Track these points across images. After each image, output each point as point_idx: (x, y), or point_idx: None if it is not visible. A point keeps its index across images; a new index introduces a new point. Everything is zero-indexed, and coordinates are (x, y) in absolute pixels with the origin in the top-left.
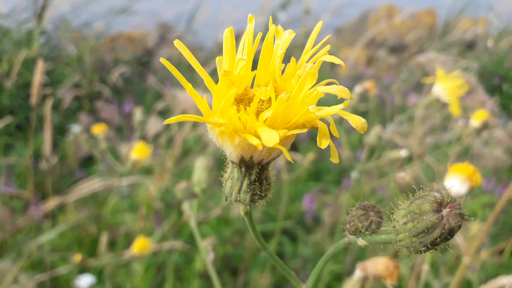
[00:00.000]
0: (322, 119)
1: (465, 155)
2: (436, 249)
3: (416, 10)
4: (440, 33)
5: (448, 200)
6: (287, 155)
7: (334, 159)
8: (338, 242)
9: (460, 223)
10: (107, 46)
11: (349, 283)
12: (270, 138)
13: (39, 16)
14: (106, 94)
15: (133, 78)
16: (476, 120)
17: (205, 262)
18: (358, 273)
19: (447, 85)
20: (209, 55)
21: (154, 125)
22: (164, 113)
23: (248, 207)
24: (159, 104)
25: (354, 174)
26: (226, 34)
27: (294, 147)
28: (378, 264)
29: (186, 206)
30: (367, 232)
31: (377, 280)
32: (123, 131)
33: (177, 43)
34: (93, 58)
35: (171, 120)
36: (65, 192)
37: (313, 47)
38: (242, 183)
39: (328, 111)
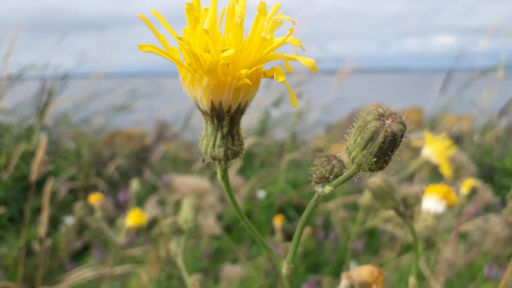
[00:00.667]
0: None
1: (464, 240)
2: (386, 161)
3: (402, 107)
4: (427, 129)
5: (389, 113)
6: (248, 81)
7: (293, 103)
8: (311, 201)
9: (402, 128)
10: (105, 142)
11: None
12: (229, 53)
13: (41, 112)
14: (102, 187)
15: (130, 172)
16: (465, 188)
17: None
18: (344, 282)
19: (435, 147)
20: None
21: (150, 210)
22: (160, 203)
23: (223, 163)
24: (155, 195)
25: (353, 265)
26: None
27: (288, 237)
28: (362, 271)
29: (172, 244)
30: (331, 176)
31: None
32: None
33: (140, 16)
34: (91, 152)
35: (144, 46)
36: (55, 283)
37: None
38: (215, 137)
39: (280, 41)
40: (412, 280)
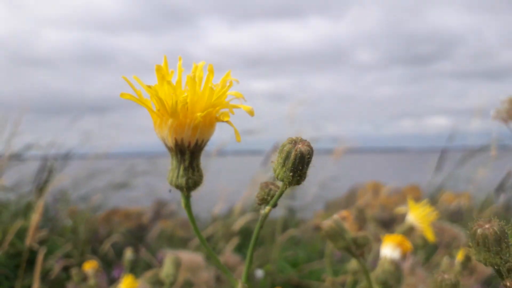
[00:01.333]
0: None
1: None
2: (300, 175)
3: (400, 186)
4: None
5: (300, 139)
6: (200, 119)
7: (238, 139)
8: (257, 223)
9: (308, 149)
10: (102, 220)
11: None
12: (184, 95)
13: (40, 189)
14: (98, 268)
15: (125, 250)
16: (460, 256)
17: None
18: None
19: (418, 213)
20: (202, 225)
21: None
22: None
23: (185, 191)
24: (149, 272)
25: None
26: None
27: None
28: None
29: None
30: (269, 197)
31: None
32: None
33: (123, 77)
34: (87, 230)
35: (124, 95)
36: None
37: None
38: (179, 169)
39: (223, 91)
40: None
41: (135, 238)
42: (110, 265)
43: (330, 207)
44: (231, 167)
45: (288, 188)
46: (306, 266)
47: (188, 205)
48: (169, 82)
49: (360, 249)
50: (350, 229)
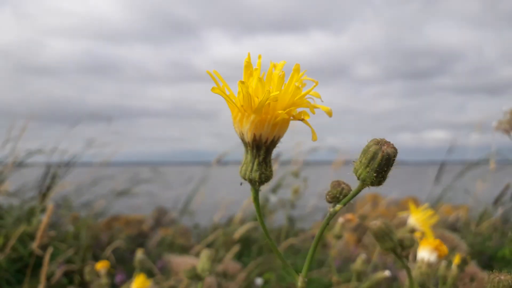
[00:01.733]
0: None
1: None
2: (383, 176)
3: (399, 197)
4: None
5: (385, 141)
6: (285, 116)
7: (314, 137)
8: (326, 216)
9: (394, 151)
10: (104, 226)
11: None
12: (275, 93)
13: (43, 195)
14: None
15: (126, 256)
16: (457, 260)
17: None
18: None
19: (419, 217)
20: (202, 234)
21: None
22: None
23: (257, 185)
24: (187, 267)
25: None
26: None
27: None
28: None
29: None
30: (340, 196)
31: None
32: None
33: (208, 72)
34: (89, 236)
35: (215, 89)
36: None
37: None
38: (253, 163)
39: (308, 91)
40: None
41: (136, 245)
42: (111, 271)
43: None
44: (232, 177)
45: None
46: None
47: (257, 199)
48: (260, 79)
49: (406, 250)
50: (350, 241)
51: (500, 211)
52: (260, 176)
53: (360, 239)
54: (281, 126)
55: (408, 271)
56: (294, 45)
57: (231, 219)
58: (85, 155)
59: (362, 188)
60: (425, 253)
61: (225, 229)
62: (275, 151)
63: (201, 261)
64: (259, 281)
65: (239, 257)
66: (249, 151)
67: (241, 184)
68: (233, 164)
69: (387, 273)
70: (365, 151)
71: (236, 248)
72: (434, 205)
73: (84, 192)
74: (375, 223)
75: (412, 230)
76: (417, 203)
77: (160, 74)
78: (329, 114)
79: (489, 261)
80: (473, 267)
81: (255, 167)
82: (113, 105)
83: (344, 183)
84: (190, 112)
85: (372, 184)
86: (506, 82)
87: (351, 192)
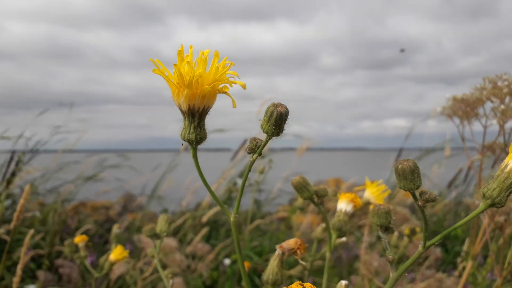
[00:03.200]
0: None
1: None
2: (280, 129)
3: (359, 182)
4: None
5: (280, 103)
6: (209, 89)
7: (234, 104)
8: (247, 165)
9: (286, 110)
10: (71, 212)
11: (272, 258)
12: (199, 71)
13: (8, 181)
14: (66, 254)
15: (95, 241)
16: (406, 230)
17: None
18: (277, 250)
19: (373, 191)
20: (171, 217)
21: (118, 268)
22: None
23: (194, 144)
24: (147, 226)
25: None
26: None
27: None
28: (290, 242)
29: (149, 250)
30: (256, 148)
31: (291, 254)
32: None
33: (151, 59)
34: (57, 221)
35: (155, 71)
36: None
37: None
38: (190, 127)
39: (226, 69)
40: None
41: (104, 230)
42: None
43: (294, 201)
44: (201, 163)
45: (270, 140)
46: (271, 256)
47: (195, 156)
48: (189, 62)
49: (320, 199)
50: (314, 222)
51: (453, 193)
52: (196, 137)
53: (324, 219)
54: (208, 98)
55: (324, 215)
56: (260, 34)
57: (199, 204)
58: (50, 142)
59: (268, 140)
60: (343, 205)
61: (193, 213)
62: (238, 138)
63: (159, 223)
64: (227, 261)
65: (207, 239)
66: (186, 118)
67: (182, 145)
68: (201, 151)
69: (344, 239)
70: (266, 111)
71: (204, 231)
72: (393, 189)
73: (50, 178)
74: (294, 178)
75: (367, 203)
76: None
77: (125, 60)
78: (243, 87)
79: (443, 240)
80: (413, 221)
81: (191, 130)
82: (78, 92)
83: (258, 139)
84: (156, 99)
85: (272, 135)
86: (462, 73)
87: (262, 143)
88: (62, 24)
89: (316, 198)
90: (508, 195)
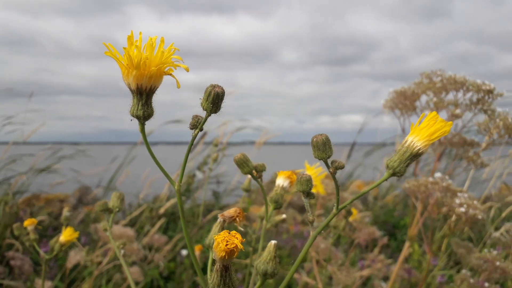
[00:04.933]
0: None
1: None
2: (218, 107)
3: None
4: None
5: (217, 85)
6: (155, 71)
7: (178, 85)
8: (191, 140)
9: (222, 90)
10: (23, 204)
11: (214, 225)
12: (146, 55)
13: None
14: (18, 247)
15: (48, 234)
16: (343, 213)
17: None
18: (219, 219)
19: (311, 172)
20: (127, 210)
21: (73, 257)
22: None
23: (142, 120)
24: (99, 202)
25: None
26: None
27: None
28: (230, 211)
29: (103, 223)
30: (198, 124)
31: (231, 221)
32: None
33: (104, 43)
34: (7, 213)
35: (107, 53)
36: None
37: None
38: (138, 105)
39: (170, 53)
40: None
41: (58, 223)
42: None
43: (252, 193)
44: (160, 156)
45: (209, 117)
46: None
47: (143, 131)
48: (137, 46)
49: (259, 173)
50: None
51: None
52: (144, 113)
53: (279, 212)
54: (155, 78)
55: (262, 188)
56: (222, 27)
57: (157, 197)
58: (1, 133)
59: (207, 117)
60: (281, 180)
61: (151, 205)
62: (202, 132)
63: (112, 200)
64: (184, 252)
65: (165, 231)
66: (134, 97)
67: (131, 120)
68: (160, 144)
69: (284, 216)
70: (205, 92)
71: (161, 222)
72: (346, 181)
73: (1, 170)
74: (236, 155)
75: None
76: (330, 179)
77: (81, 50)
78: (187, 69)
79: (392, 229)
80: (373, 228)
81: (139, 107)
82: (31, 81)
83: (200, 116)
84: (113, 91)
85: (211, 112)
86: (416, 71)
87: (202, 120)
88: (13, 10)
89: (255, 173)
90: (407, 166)
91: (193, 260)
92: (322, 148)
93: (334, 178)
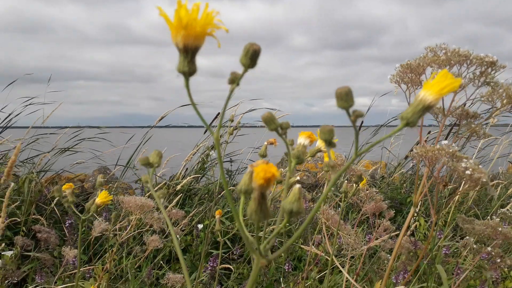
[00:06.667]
0: None
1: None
2: (254, 63)
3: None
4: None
5: (255, 43)
6: (201, 31)
7: (219, 45)
8: (227, 97)
9: (259, 48)
10: (46, 183)
11: (245, 174)
12: (193, 16)
13: None
14: (43, 222)
15: (70, 210)
16: (354, 179)
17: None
18: (249, 168)
19: (322, 144)
20: (145, 187)
21: (98, 226)
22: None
23: (187, 76)
24: (141, 156)
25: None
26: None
27: (224, 262)
28: (259, 162)
29: (144, 176)
30: (236, 79)
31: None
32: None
33: (156, 6)
34: (32, 191)
35: (160, 12)
36: None
37: None
38: (184, 62)
39: (214, 14)
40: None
41: (80, 200)
42: (57, 223)
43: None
44: (173, 138)
45: (246, 72)
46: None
47: (187, 86)
48: (185, 8)
49: (284, 130)
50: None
51: (411, 164)
52: (189, 70)
53: (289, 190)
54: (199, 39)
55: (286, 142)
56: (232, 12)
57: (174, 176)
58: (22, 116)
59: (245, 72)
60: (302, 139)
61: (168, 183)
62: (211, 115)
63: (152, 156)
64: (200, 226)
65: (181, 207)
66: (181, 55)
67: (177, 76)
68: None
69: (297, 178)
70: (244, 49)
71: (178, 198)
72: (354, 160)
73: (24, 149)
74: (264, 113)
75: (319, 151)
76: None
77: (95, 36)
78: (227, 31)
79: (399, 206)
80: (380, 197)
81: (185, 64)
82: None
83: (237, 72)
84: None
85: (248, 67)
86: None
87: (240, 74)
88: None
89: (280, 129)
90: (419, 117)
91: (230, 204)
92: (345, 98)
93: (354, 125)
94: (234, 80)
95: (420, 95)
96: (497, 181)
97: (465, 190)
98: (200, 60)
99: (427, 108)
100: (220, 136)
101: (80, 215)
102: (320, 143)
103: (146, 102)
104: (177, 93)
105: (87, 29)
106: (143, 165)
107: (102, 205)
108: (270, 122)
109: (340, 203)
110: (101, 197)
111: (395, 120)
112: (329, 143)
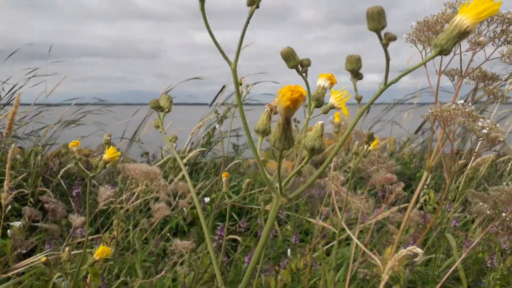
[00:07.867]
0: None
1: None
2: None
3: (332, 132)
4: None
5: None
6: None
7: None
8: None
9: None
10: (52, 156)
11: (263, 114)
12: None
13: None
14: (49, 194)
15: (76, 183)
16: (365, 139)
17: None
18: (266, 108)
19: (337, 96)
20: (151, 161)
21: (104, 193)
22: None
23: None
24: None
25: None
26: None
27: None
28: (276, 98)
29: (155, 120)
30: (255, 1)
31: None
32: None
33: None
34: (39, 163)
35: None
36: (3, 272)
37: None
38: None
39: None
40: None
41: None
42: (64, 195)
43: (271, 148)
44: (179, 116)
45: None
46: (247, 194)
47: (203, 9)
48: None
49: (304, 68)
50: (288, 167)
51: (420, 139)
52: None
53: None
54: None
55: (307, 82)
56: None
57: (180, 151)
58: (24, 93)
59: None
60: (322, 81)
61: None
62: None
63: (162, 100)
64: (206, 199)
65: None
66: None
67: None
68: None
69: (321, 122)
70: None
71: (185, 170)
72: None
73: (30, 120)
74: (283, 48)
75: (332, 107)
76: (349, 135)
77: (98, 10)
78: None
79: (408, 181)
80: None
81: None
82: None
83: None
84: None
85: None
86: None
87: None
88: None
89: (300, 67)
90: (454, 44)
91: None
92: (377, 18)
93: (385, 50)
94: (254, 1)
95: (456, 19)
96: (508, 156)
97: (477, 160)
98: (202, 35)
99: (463, 34)
100: (226, 114)
101: (87, 172)
102: (332, 99)
103: (150, 78)
104: (182, 68)
105: (90, 2)
106: (153, 108)
107: (110, 161)
108: (289, 58)
109: (348, 170)
110: (109, 152)
111: (412, 97)
112: (356, 74)
